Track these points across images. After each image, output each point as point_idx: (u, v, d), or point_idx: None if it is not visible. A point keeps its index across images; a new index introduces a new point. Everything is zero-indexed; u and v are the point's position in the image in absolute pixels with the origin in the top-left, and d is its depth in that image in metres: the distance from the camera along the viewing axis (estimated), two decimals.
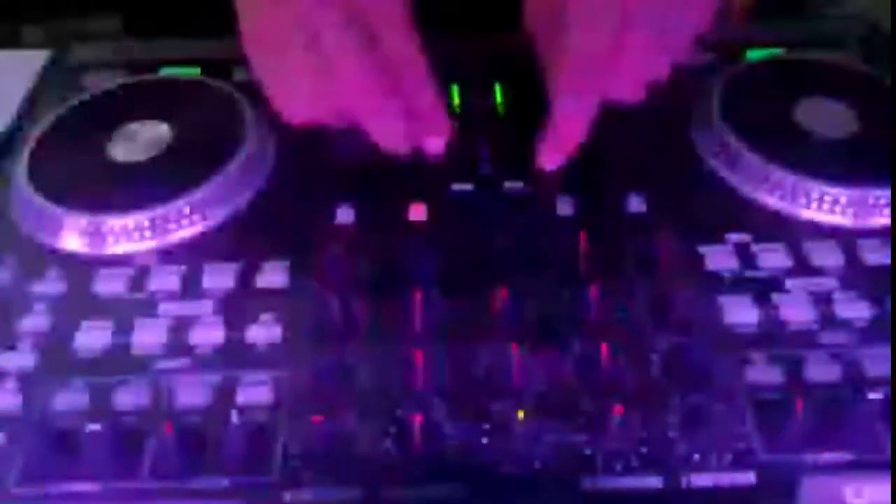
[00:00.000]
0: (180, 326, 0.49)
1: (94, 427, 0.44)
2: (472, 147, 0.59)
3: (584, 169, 0.56)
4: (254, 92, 0.59)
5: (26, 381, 0.47)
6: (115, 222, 0.53)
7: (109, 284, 0.51)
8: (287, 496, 0.42)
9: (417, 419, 0.44)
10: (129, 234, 0.53)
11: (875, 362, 0.46)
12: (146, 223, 0.53)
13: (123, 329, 0.49)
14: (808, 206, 0.54)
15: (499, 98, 0.62)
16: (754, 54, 0.65)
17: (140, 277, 0.51)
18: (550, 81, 0.56)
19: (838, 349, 0.47)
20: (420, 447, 0.44)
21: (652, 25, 0.54)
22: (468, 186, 0.56)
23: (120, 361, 0.48)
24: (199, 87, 0.61)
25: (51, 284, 0.51)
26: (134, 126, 0.58)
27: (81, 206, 0.53)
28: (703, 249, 0.52)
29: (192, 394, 0.46)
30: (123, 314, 0.50)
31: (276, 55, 0.55)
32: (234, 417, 0.45)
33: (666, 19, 0.54)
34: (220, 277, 0.51)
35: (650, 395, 0.45)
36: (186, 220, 0.53)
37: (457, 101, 0.62)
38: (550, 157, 0.56)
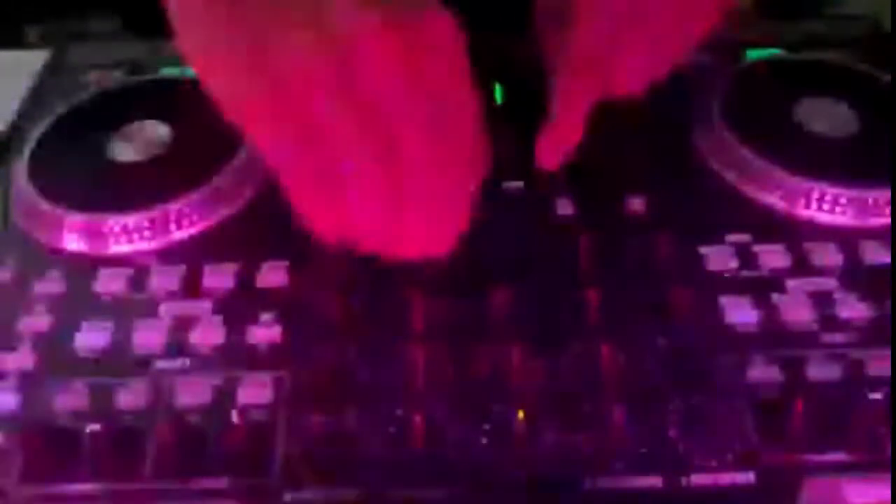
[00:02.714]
0: (180, 326, 0.49)
1: (94, 427, 0.44)
2: None
3: (584, 169, 0.56)
4: None
5: (26, 381, 0.47)
6: (115, 222, 0.53)
7: (109, 284, 0.51)
8: (287, 496, 0.42)
9: (417, 419, 0.44)
10: (129, 234, 0.53)
11: (875, 362, 0.46)
12: (146, 223, 0.53)
13: (123, 329, 0.49)
14: (808, 206, 0.54)
15: (499, 98, 0.62)
16: (754, 54, 0.64)
17: (140, 277, 0.51)
18: (551, 80, 0.56)
19: (838, 349, 0.47)
20: (420, 447, 0.44)
21: (654, 25, 0.54)
22: None
23: (120, 361, 0.48)
24: (199, 87, 0.61)
25: (51, 284, 0.51)
26: (134, 126, 0.58)
27: (81, 206, 0.53)
28: (703, 249, 0.52)
29: (192, 394, 0.46)
30: (123, 314, 0.50)
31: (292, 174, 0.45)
32: (234, 417, 0.45)
33: (668, 19, 0.54)
34: (220, 277, 0.51)
35: (650, 395, 0.45)
36: (186, 220, 0.53)
37: None
38: (550, 157, 0.56)
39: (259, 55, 0.42)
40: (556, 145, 0.55)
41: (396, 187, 0.43)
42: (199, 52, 0.45)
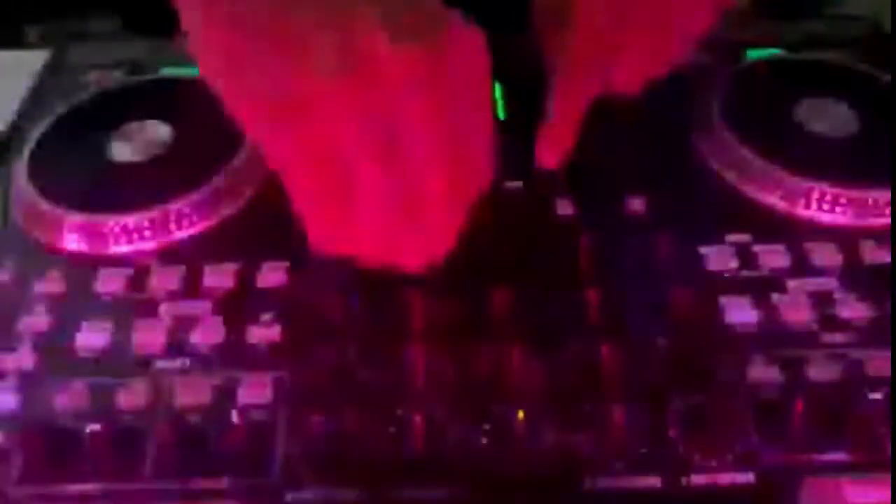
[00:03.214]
0: (180, 326, 0.49)
1: (94, 427, 0.44)
2: None
3: (584, 169, 0.56)
4: None
5: (26, 381, 0.47)
6: (115, 222, 0.53)
7: (109, 284, 0.51)
8: (287, 496, 0.42)
9: (417, 419, 0.44)
10: (129, 234, 0.53)
11: (875, 362, 0.46)
12: (146, 223, 0.53)
13: (123, 329, 0.49)
14: (808, 206, 0.54)
15: (499, 98, 0.62)
16: (754, 54, 0.64)
17: (140, 277, 0.51)
18: (550, 79, 0.56)
19: (838, 349, 0.47)
20: (420, 447, 0.44)
21: (653, 24, 0.54)
22: None
23: (120, 361, 0.48)
24: (199, 87, 0.61)
25: (51, 284, 0.51)
26: (134, 126, 0.58)
27: (81, 206, 0.53)
28: (703, 249, 0.52)
29: (192, 394, 0.46)
30: (123, 314, 0.50)
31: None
32: (234, 417, 0.45)
33: (667, 18, 0.54)
34: (220, 277, 0.51)
35: (650, 395, 0.45)
36: (186, 220, 0.53)
37: None
38: (549, 156, 0.56)
39: (278, 75, 0.41)
40: (554, 144, 0.55)
41: (404, 202, 0.43)
42: (210, 56, 0.45)
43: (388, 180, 0.42)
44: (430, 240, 0.45)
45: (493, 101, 0.44)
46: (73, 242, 0.53)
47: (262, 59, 0.42)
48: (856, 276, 0.51)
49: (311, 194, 0.44)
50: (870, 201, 0.53)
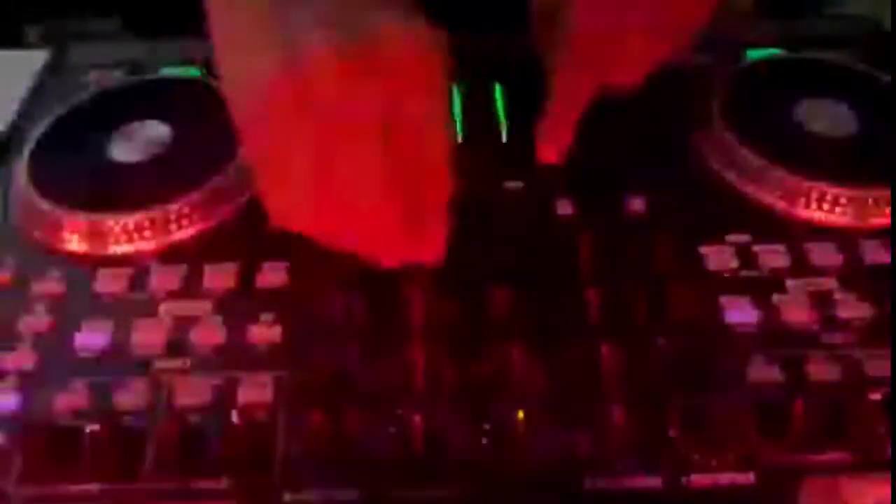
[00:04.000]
0: (180, 326, 0.49)
1: (94, 427, 0.44)
2: (473, 147, 0.59)
3: (584, 169, 0.56)
4: None
5: (26, 381, 0.47)
6: (115, 222, 0.53)
7: (109, 284, 0.51)
8: (287, 496, 0.43)
9: (417, 419, 0.44)
10: (129, 234, 0.53)
11: (875, 362, 0.46)
12: (146, 223, 0.53)
13: (123, 329, 0.49)
14: (808, 206, 0.54)
15: (499, 98, 0.62)
16: (754, 54, 0.64)
17: (140, 277, 0.51)
18: (549, 77, 0.56)
19: (838, 349, 0.47)
20: (420, 447, 0.44)
21: (650, 15, 0.54)
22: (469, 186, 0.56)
23: (120, 361, 0.48)
24: (199, 87, 0.61)
25: (51, 284, 0.51)
26: (134, 126, 0.58)
27: (81, 206, 0.53)
28: (703, 249, 0.52)
29: (192, 394, 0.46)
30: (123, 314, 0.50)
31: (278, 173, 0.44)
32: (234, 417, 0.45)
33: (664, 7, 0.54)
34: (220, 277, 0.51)
35: (650, 395, 0.45)
36: (186, 220, 0.53)
37: (457, 101, 0.62)
38: (549, 151, 0.56)
39: (234, 71, 0.42)
40: (554, 140, 0.55)
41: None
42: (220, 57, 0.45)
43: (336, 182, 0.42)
44: (394, 244, 0.45)
45: (449, 111, 0.43)
46: (73, 242, 0.53)
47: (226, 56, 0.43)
48: (856, 276, 0.51)
49: (268, 176, 0.43)
50: (870, 201, 0.53)
